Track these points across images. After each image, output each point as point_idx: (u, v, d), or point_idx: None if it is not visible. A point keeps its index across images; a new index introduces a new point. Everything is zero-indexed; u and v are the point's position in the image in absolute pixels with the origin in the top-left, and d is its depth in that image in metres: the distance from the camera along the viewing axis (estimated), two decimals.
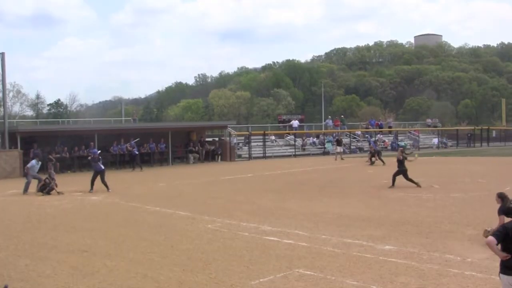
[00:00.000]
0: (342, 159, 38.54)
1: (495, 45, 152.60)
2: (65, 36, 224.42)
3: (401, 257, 10.48)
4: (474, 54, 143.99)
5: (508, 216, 10.69)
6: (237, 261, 10.48)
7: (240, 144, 46.80)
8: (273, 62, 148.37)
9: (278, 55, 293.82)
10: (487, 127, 66.17)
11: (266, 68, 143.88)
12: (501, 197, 11.13)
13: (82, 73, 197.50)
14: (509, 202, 10.99)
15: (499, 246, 6.20)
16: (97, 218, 16.33)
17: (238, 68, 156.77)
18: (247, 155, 44.28)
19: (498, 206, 11.19)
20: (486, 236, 10.37)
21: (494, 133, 67.37)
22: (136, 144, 35.92)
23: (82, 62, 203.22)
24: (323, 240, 12.22)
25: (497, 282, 7.11)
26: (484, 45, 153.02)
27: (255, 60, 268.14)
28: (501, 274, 6.27)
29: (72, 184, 24.44)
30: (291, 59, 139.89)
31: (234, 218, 15.41)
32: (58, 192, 22.27)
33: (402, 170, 22.26)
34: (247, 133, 47.15)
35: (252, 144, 45.45)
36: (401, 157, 22.55)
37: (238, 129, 50.14)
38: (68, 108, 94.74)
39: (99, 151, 25.39)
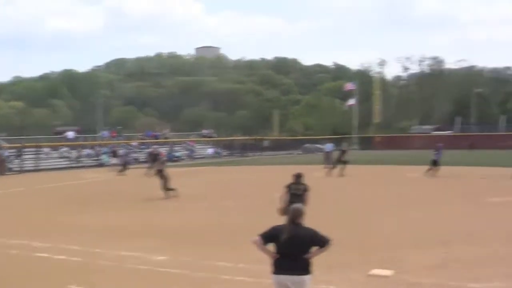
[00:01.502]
0: (119, 171, 37.86)
1: (271, 59, 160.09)
2: None
3: (175, 266, 10.54)
4: (251, 67, 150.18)
5: (290, 191, 12.30)
6: (2, 282, 9.75)
7: (12, 157, 44.11)
8: (51, 71, 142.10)
9: (56, 64, 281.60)
10: (260, 137, 69.86)
11: (43, 77, 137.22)
12: (295, 175, 12.65)
13: None
14: (299, 181, 12.55)
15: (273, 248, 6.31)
16: None
17: (13, 77, 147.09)
18: (18, 168, 41.82)
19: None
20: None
21: (266, 143, 71.22)
22: None
23: None
24: (96, 254, 11.84)
25: (267, 284, 7.43)
26: (261, 58, 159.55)
27: (32, 69, 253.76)
28: (272, 275, 6.30)
29: None
30: (69, 68, 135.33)
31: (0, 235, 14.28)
32: None
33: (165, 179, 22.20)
34: (20, 145, 44.76)
35: (25, 156, 43.41)
36: (161, 167, 22.64)
37: (11, 141, 47.40)
38: None
39: None
